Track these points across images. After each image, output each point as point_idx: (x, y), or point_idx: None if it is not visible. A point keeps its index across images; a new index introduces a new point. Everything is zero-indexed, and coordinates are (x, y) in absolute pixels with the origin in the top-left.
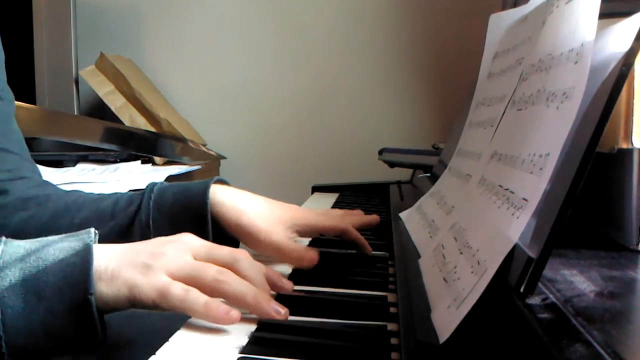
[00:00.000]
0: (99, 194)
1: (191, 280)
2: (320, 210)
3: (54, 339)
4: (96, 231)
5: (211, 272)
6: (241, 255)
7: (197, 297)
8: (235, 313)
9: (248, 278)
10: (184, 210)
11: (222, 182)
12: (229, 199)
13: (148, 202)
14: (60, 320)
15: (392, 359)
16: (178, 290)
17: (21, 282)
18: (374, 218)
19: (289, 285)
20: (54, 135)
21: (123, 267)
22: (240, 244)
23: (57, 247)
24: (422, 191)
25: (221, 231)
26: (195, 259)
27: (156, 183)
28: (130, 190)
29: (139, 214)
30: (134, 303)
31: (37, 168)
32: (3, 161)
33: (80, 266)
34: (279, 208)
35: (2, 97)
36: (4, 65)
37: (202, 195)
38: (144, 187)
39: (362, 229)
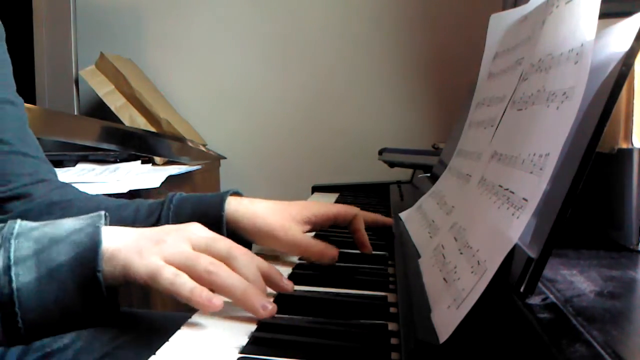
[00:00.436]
0: (120, 201)
1: (185, 269)
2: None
3: (65, 314)
4: (107, 214)
5: (204, 262)
6: (239, 251)
7: (185, 282)
8: (217, 300)
9: (242, 273)
10: (201, 220)
11: (237, 193)
12: (242, 206)
13: (167, 212)
14: (71, 296)
15: (392, 359)
16: (168, 273)
17: (35, 260)
18: (387, 219)
19: (289, 286)
20: (54, 135)
21: (123, 248)
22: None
23: (69, 228)
24: (422, 191)
25: (239, 239)
26: (193, 249)
27: (175, 194)
28: (130, 190)
29: (159, 224)
30: (128, 281)
31: (53, 169)
32: (23, 165)
33: (89, 246)
34: (287, 205)
35: (15, 102)
36: (11, 72)
37: (219, 206)
38: (143, 187)
39: (369, 227)
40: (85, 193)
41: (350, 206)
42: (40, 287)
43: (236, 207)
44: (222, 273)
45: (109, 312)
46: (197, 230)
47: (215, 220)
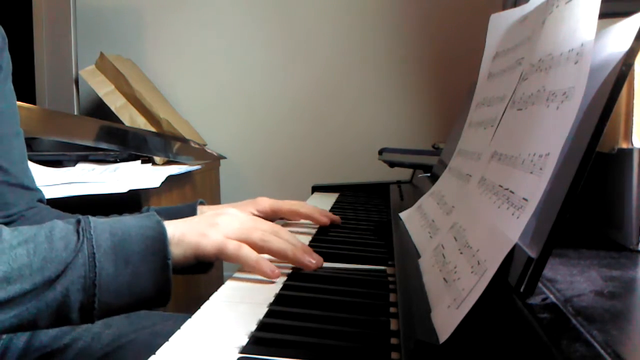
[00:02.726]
0: (97, 217)
1: (243, 240)
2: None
3: (135, 296)
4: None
5: (258, 234)
6: (278, 226)
7: (250, 253)
8: (278, 271)
9: (287, 240)
10: None
11: (202, 203)
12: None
13: None
14: (143, 281)
15: (392, 359)
16: (233, 245)
17: (112, 249)
18: (323, 219)
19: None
20: (54, 135)
21: (187, 233)
22: None
23: (135, 224)
24: (422, 191)
25: None
26: (242, 226)
27: (148, 207)
28: (130, 190)
29: None
30: (198, 259)
31: (42, 195)
32: (22, 196)
33: (158, 238)
34: (238, 206)
35: (20, 134)
36: (16, 102)
37: (193, 215)
38: (143, 186)
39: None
40: (66, 214)
41: (292, 201)
42: (117, 272)
43: (199, 215)
44: (275, 240)
45: (170, 294)
46: (237, 212)
47: None
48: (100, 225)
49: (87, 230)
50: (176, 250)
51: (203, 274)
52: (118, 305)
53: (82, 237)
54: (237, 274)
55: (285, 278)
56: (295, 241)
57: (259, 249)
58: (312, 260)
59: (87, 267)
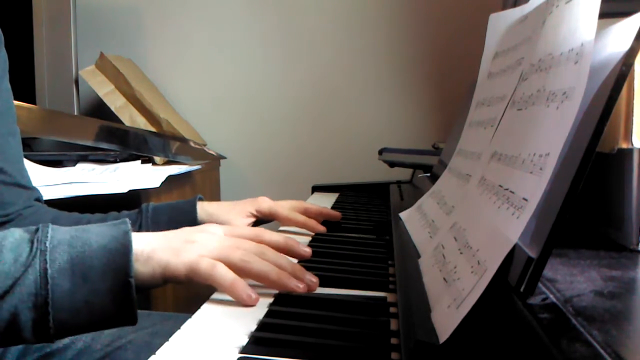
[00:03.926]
0: (97, 215)
1: (221, 261)
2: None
3: (95, 316)
4: (129, 220)
5: (238, 253)
6: (265, 247)
7: (225, 273)
8: (256, 297)
9: (271, 260)
10: (178, 224)
11: (201, 199)
12: (203, 210)
13: (147, 221)
14: (102, 300)
15: (392, 359)
16: (206, 264)
17: (69, 264)
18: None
19: (308, 252)
20: (54, 135)
21: (157, 249)
22: None
23: (100, 233)
24: (422, 191)
25: None
26: (222, 244)
27: (148, 204)
28: (130, 190)
29: (140, 231)
30: (167, 279)
31: (39, 194)
32: (20, 195)
33: (121, 252)
34: (235, 203)
35: (16, 133)
36: (13, 101)
37: (192, 212)
38: (143, 187)
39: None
40: (63, 212)
41: (295, 201)
42: (73, 289)
43: (199, 211)
44: (256, 262)
45: (135, 314)
46: (219, 230)
47: (191, 225)
48: (60, 235)
49: (43, 241)
50: (143, 268)
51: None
52: (77, 324)
53: (35, 250)
54: None
55: None
56: (283, 262)
57: (239, 270)
58: (299, 284)
59: (39, 283)
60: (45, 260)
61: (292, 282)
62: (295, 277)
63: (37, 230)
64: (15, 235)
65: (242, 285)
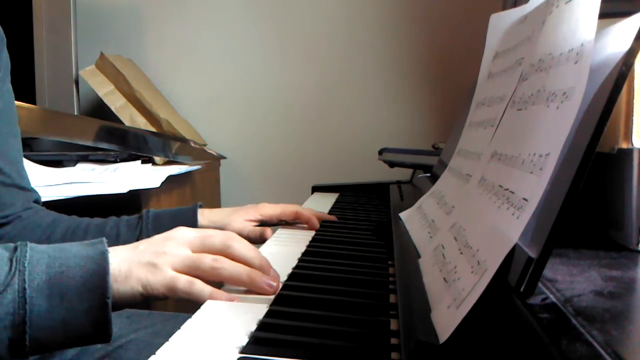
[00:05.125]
0: (96, 219)
1: (192, 271)
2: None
3: (70, 334)
4: (106, 240)
5: (207, 261)
6: (232, 240)
7: (203, 289)
8: (234, 297)
9: (242, 258)
10: None
11: (201, 206)
12: (204, 217)
13: (147, 226)
14: (79, 320)
15: (392, 359)
16: (183, 283)
17: (47, 284)
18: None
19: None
20: (54, 135)
21: (133, 268)
22: None
23: (77, 254)
24: (422, 191)
25: None
26: (192, 250)
27: (149, 210)
28: (130, 191)
29: (141, 237)
30: (146, 297)
31: (38, 196)
32: (18, 196)
33: (98, 273)
34: (238, 209)
35: (17, 134)
36: (14, 102)
37: (193, 218)
38: (143, 187)
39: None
40: (62, 215)
41: (292, 205)
42: (51, 309)
43: (200, 217)
44: (226, 265)
45: (110, 333)
46: (186, 233)
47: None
48: (38, 254)
49: (21, 261)
50: (123, 288)
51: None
52: (53, 342)
53: (15, 269)
54: None
55: (285, 278)
56: (252, 255)
57: (211, 277)
58: (271, 282)
59: (17, 303)
60: (24, 279)
61: (264, 282)
62: (263, 271)
63: (15, 248)
64: None
65: (219, 295)
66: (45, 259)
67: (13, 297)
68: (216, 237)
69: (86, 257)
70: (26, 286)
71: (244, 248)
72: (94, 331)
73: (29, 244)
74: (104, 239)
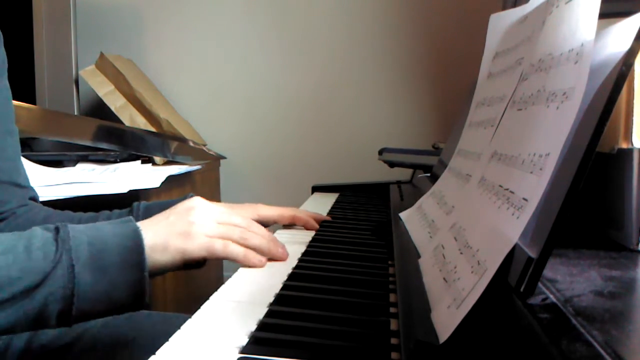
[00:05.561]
0: (89, 213)
1: (224, 238)
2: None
3: (112, 304)
4: (132, 217)
5: (237, 232)
6: (249, 219)
7: (237, 249)
8: (265, 260)
9: (260, 234)
10: None
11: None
12: None
13: (138, 219)
14: (119, 291)
15: (392, 359)
16: (220, 245)
17: (90, 260)
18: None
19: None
20: (54, 135)
21: (170, 238)
22: None
23: (112, 232)
24: (422, 191)
25: None
26: (218, 223)
27: (140, 203)
28: (130, 191)
29: None
30: (186, 262)
31: (35, 193)
32: (14, 193)
33: (135, 249)
34: (234, 207)
35: (13, 132)
36: (11, 98)
37: None
38: (143, 187)
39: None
40: (56, 210)
41: (289, 208)
42: (95, 283)
43: None
44: (251, 237)
45: (145, 302)
46: (206, 204)
47: None
48: (79, 234)
49: (66, 240)
50: (162, 257)
51: (198, 269)
52: (96, 312)
53: (61, 248)
54: (236, 274)
55: (285, 277)
56: (265, 233)
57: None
58: (284, 251)
59: (66, 278)
60: (71, 257)
61: (279, 250)
62: (277, 243)
63: (57, 229)
64: (39, 234)
65: (252, 254)
66: (85, 238)
67: (62, 273)
68: (238, 216)
69: (121, 234)
70: (73, 263)
71: (261, 228)
72: (132, 301)
73: (68, 225)
74: (131, 217)
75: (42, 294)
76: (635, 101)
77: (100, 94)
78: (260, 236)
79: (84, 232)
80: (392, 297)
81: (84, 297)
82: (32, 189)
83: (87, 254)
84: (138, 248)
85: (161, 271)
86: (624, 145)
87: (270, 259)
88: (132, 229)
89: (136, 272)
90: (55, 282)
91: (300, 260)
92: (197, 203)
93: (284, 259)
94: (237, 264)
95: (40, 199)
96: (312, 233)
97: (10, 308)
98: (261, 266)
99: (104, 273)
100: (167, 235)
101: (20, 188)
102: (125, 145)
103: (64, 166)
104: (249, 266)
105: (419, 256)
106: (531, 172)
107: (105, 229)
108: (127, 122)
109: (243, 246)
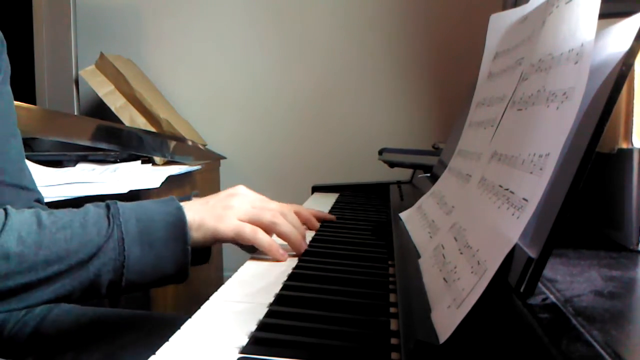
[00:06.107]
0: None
1: (254, 222)
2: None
3: (157, 276)
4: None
5: (268, 216)
6: (286, 209)
7: (264, 236)
8: (287, 256)
9: (291, 223)
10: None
11: (196, 195)
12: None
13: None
14: (165, 264)
15: (392, 359)
16: (249, 229)
17: (138, 235)
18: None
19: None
20: (54, 135)
21: (205, 218)
22: None
23: (157, 210)
24: (422, 191)
25: None
26: (252, 207)
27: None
28: (130, 191)
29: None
30: (217, 241)
31: (41, 195)
32: (18, 196)
33: (179, 225)
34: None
35: (16, 135)
36: (13, 102)
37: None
38: (143, 187)
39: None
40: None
41: (291, 204)
42: (143, 256)
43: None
44: (282, 223)
45: (188, 274)
46: (249, 193)
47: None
48: (128, 211)
49: (117, 217)
50: (196, 235)
51: (203, 264)
52: (142, 283)
53: (112, 224)
54: (236, 274)
55: (285, 277)
56: (298, 224)
57: (268, 229)
58: (304, 247)
59: (117, 250)
60: (122, 231)
61: (303, 246)
62: (303, 238)
63: (108, 206)
64: (92, 211)
65: (276, 246)
66: (134, 215)
67: (114, 246)
68: (272, 203)
69: (165, 212)
70: (124, 237)
71: (294, 217)
72: (176, 273)
73: (118, 202)
74: (174, 197)
75: (96, 265)
76: (635, 101)
77: (100, 94)
78: (290, 225)
79: (132, 209)
80: (392, 297)
81: (132, 269)
82: (37, 191)
83: (135, 229)
84: (181, 224)
85: (195, 247)
86: (624, 146)
87: (276, 260)
88: (175, 207)
89: (180, 245)
90: (107, 254)
91: (300, 260)
92: (238, 190)
93: (301, 253)
94: (241, 261)
95: None
96: (312, 233)
97: (68, 278)
98: (283, 261)
99: (150, 247)
100: (203, 215)
101: (25, 190)
102: (125, 145)
103: (63, 166)
104: (271, 256)
105: (419, 256)
106: (531, 172)
107: (151, 207)
108: (127, 122)
109: (272, 230)
